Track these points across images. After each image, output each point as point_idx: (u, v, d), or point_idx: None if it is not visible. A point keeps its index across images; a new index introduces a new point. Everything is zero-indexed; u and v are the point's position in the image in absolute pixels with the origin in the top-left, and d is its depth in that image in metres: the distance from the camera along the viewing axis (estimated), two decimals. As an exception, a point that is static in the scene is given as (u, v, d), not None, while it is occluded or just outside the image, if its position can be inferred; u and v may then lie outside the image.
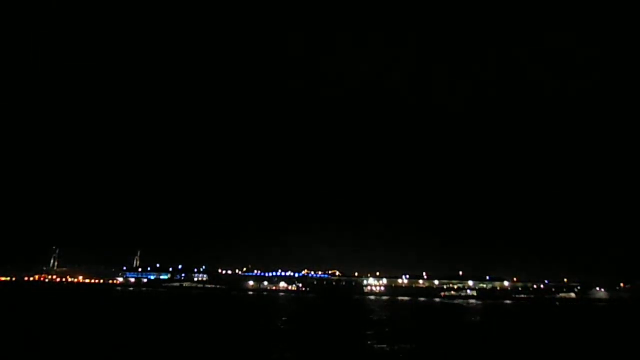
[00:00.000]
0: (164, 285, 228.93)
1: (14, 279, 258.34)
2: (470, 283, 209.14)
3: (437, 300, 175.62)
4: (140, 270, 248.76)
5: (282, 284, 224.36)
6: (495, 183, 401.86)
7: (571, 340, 49.92)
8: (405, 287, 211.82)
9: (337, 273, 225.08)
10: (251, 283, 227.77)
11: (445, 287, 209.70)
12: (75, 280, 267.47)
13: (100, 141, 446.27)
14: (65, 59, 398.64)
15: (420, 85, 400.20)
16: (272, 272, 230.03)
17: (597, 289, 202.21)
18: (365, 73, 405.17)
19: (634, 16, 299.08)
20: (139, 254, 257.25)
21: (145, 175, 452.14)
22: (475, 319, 76.92)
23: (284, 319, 64.71)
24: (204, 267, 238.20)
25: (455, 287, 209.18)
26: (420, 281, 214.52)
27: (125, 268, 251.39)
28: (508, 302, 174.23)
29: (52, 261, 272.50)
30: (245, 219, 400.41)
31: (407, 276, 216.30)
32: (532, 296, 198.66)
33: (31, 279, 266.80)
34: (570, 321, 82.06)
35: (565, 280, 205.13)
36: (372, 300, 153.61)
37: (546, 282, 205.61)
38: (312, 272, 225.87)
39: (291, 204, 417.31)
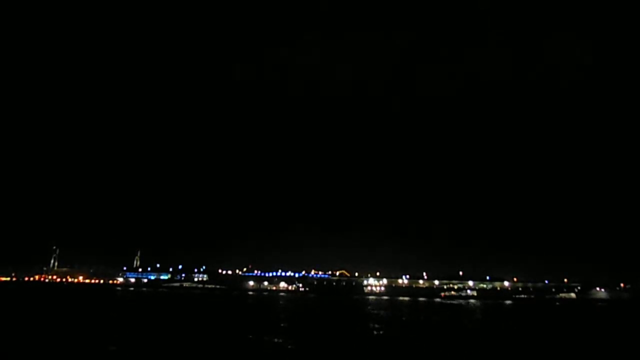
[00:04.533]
0: (164, 285, 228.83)
1: (14, 279, 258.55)
2: (470, 283, 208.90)
3: (437, 300, 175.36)
4: (140, 270, 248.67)
5: (282, 284, 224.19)
6: (495, 183, 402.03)
7: (571, 340, 49.88)
8: (405, 287, 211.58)
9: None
10: (251, 283, 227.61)
11: (445, 287, 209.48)
12: (75, 280, 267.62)
13: (101, 141, 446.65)
14: (65, 59, 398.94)
15: (420, 86, 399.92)
16: (272, 272, 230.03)
17: (597, 289, 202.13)
18: (365, 75, 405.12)
19: (632, 15, 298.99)
20: (139, 254, 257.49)
21: (145, 176, 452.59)
22: (475, 319, 76.86)
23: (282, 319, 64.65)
24: (204, 267, 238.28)
25: (455, 287, 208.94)
26: (420, 281, 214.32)
27: (125, 268, 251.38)
28: (508, 302, 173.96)
29: (52, 261, 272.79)
30: (246, 219, 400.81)
31: (407, 276, 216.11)
32: (532, 296, 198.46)
33: (31, 279, 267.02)
34: (571, 321, 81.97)
35: (565, 280, 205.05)
36: (372, 300, 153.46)
37: (546, 282, 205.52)
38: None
39: (291, 204, 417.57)
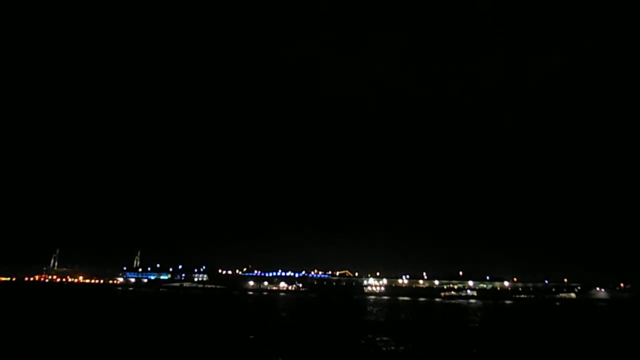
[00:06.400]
0: (164, 285, 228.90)
1: (14, 279, 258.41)
2: (470, 283, 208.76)
3: (437, 300, 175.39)
4: (140, 270, 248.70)
5: (282, 284, 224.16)
6: (495, 183, 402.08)
7: (571, 340, 49.90)
8: (405, 287, 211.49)
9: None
10: (251, 283, 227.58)
11: (445, 287, 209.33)
12: (75, 280, 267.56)
13: (101, 142, 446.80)
14: (65, 59, 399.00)
15: (420, 86, 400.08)
16: (272, 272, 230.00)
17: (597, 289, 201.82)
18: (365, 74, 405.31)
19: (632, 15, 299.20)
20: (139, 254, 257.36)
21: (145, 176, 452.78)
22: (475, 319, 76.85)
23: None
24: (204, 267, 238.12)
25: (455, 287, 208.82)
26: (420, 281, 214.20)
27: (125, 268, 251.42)
28: (508, 302, 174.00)
29: (52, 261, 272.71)
30: (246, 219, 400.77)
31: (407, 276, 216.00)
32: (532, 296, 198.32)
33: (31, 279, 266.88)
34: (571, 321, 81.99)
35: (565, 280, 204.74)
36: (372, 300, 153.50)
37: (546, 282, 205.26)
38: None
39: (292, 204, 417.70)
